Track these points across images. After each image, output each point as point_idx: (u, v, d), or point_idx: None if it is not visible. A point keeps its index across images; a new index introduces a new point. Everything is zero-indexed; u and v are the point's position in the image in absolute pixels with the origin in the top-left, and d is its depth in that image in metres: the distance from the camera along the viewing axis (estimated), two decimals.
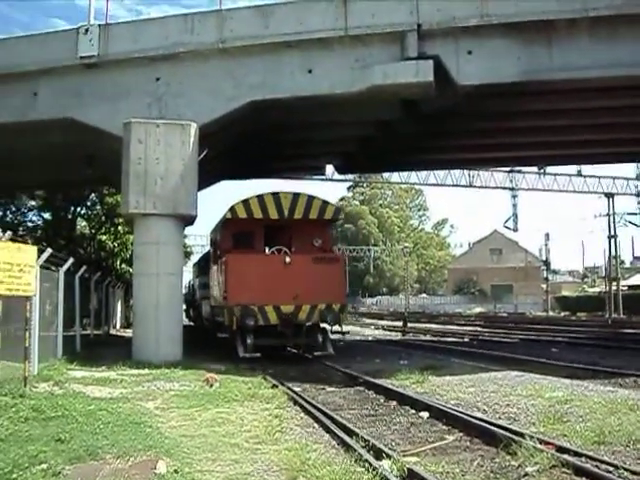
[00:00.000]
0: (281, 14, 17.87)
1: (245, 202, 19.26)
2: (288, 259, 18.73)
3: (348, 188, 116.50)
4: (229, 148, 22.21)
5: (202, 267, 27.20)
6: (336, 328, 19.09)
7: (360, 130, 23.82)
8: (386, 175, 60.98)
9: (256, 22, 17.78)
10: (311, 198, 19.71)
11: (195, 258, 38.12)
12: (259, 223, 19.54)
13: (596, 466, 6.87)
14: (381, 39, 17.53)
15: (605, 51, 17.05)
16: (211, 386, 12.78)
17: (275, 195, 19.46)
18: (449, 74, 17.29)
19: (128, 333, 26.13)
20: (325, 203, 20.08)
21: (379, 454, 7.56)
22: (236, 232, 19.75)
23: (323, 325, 19.13)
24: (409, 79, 17.22)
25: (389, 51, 17.51)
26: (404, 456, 7.61)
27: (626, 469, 6.69)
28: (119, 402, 10.67)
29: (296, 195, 19.70)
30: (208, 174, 21.13)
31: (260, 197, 19.31)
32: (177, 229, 18.22)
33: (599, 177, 52.98)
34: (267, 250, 20.23)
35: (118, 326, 36.45)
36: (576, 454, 7.30)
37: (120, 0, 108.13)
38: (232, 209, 19.22)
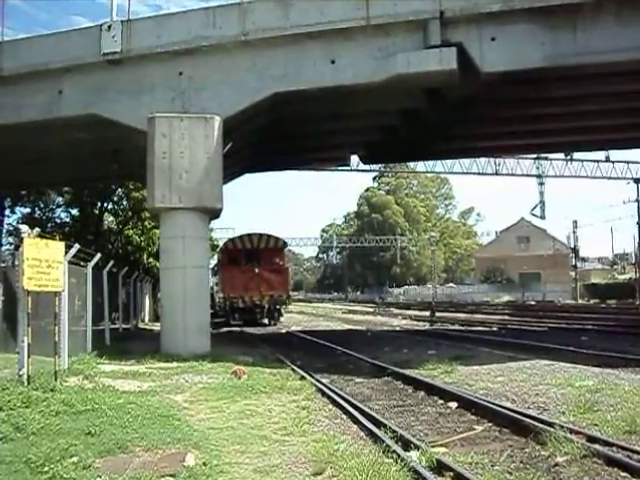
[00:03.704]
0: (302, 5, 17.77)
1: (234, 239, 37.53)
2: (257, 270, 34.00)
3: (373, 178, 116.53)
4: (253, 141, 22.23)
5: (214, 270, 38.69)
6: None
7: (384, 120, 23.70)
8: (411, 165, 60.81)
9: (277, 14, 17.72)
10: (270, 236, 36.34)
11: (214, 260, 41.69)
12: (241, 250, 35.29)
13: (628, 456, 6.79)
14: (403, 28, 17.37)
15: (631, 34, 16.71)
16: (239, 378, 12.83)
17: (249, 235, 36.41)
18: (472, 61, 17.08)
19: (156, 327, 26.35)
20: (278, 239, 36.91)
21: (407, 445, 7.55)
22: (229, 255, 35.85)
23: (277, 306, 35.53)
24: (432, 67, 17.05)
25: (412, 39, 17.35)
26: (432, 447, 7.59)
27: None
28: (148, 395, 10.75)
29: (262, 234, 36.15)
30: (232, 167, 21.20)
31: (241, 236, 36.87)
32: (203, 222, 18.28)
33: (628, 162, 52.35)
34: (246, 265, 34.19)
35: (147, 320, 36.69)
36: (607, 444, 7.22)
37: None
38: (226, 243, 38.21)
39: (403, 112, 22.35)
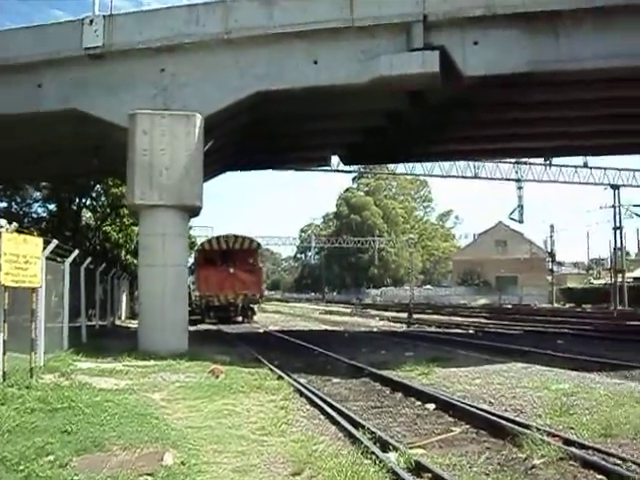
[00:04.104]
0: (286, 4, 17.78)
1: (210, 240, 39.29)
2: (232, 270, 35.40)
3: (353, 179, 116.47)
4: (234, 139, 22.18)
5: (191, 269, 37.74)
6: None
7: (366, 121, 23.74)
8: (391, 166, 60.88)
9: (261, 12, 17.70)
10: (245, 237, 38.13)
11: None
12: (217, 251, 36.65)
13: (603, 459, 6.86)
14: (387, 30, 17.44)
15: (608, 42, 16.92)
16: (217, 377, 12.79)
17: (225, 236, 38.08)
18: (455, 65, 17.19)
19: (134, 324, 26.21)
20: (253, 240, 38.89)
21: (386, 446, 7.57)
22: (205, 255, 37.18)
23: (250, 305, 37.35)
24: (415, 70, 17.13)
25: (395, 42, 17.42)
26: (411, 448, 7.61)
27: (634, 462, 6.69)
28: (125, 393, 10.68)
29: (236, 236, 37.77)
30: (213, 165, 21.16)
31: (217, 237, 38.68)
32: (182, 220, 18.21)
33: (605, 169, 52.79)
34: (222, 265, 35.66)
35: (123, 317, 36.47)
36: (583, 447, 7.29)
37: None
38: (202, 244, 39.60)
39: (385, 114, 22.40)
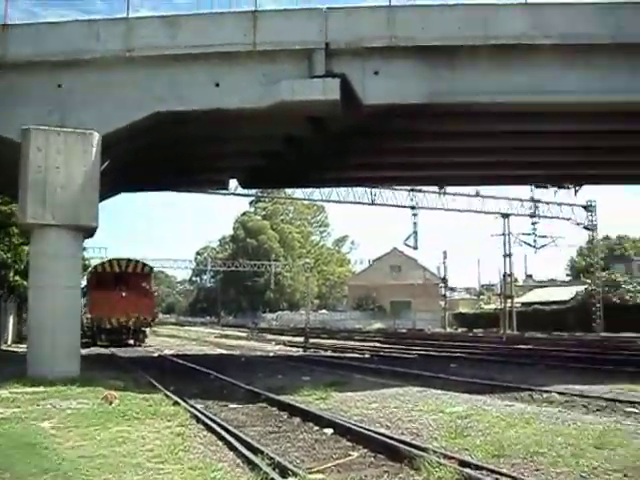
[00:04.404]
0: (189, 26, 17.67)
1: (103, 263, 40.43)
2: (124, 293, 35.71)
3: (250, 203, 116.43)
4: (134, 159, 21.73)
5: (83, 292, 35.72)
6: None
7: (266, 145, 23.77)
8: (288, 191, 61.37)
9: (164, 32, 17.49)
10: (138, 261, 39.53)
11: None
12: (110, 274, 37.01)
13: (497, 479, 7.06)
14: (290, 55, 17.61)
15: (502, 77, 17.77)
16: (110, 403, 12.38)
17: (118, 259, 39.21)
18: (355, 93, 17.51)
19: (21, 348, 25.12)
20: (145, 264, 40.13)
21: (285, 471, 7.50)
22: (97, 278, 37.42)
23: (142, 328, 37.40)
24: (316, 96, 17.33)
25: (297, 68, 17.60)
26: (309, 473, 7.58)
27: None
28: (12, 422, 10.17)
29: (129, 260, 38.99)
30: (111, 185, 20.65)
31: (110, 260, 39.87)
32: (76, 241, 17.60)
33: (496, 198, 55.01)
34: (114, 288, 35.64)
35: (10, 341, 34.94)
36: (478, 467, 7.47)
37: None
38: (95, 266, 40.92)
39: (285, 139, 22.51)
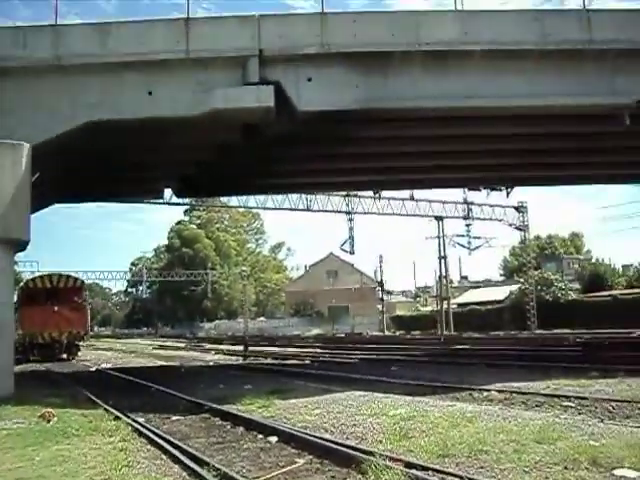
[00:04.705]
0: (121, 33, 17.43)
1: (34, 278, 40.03)
2: (56, 308, 35.11)
3: (185, 212, 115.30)
4: (67, 169, 21.29)
5: (15, 307, 35.12)
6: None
7: (201, 154, 23.51)
8: (224, 199, 61.00)
9: (94, 40, 17.19)
10: (69, 276, 39.76)
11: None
12: (41, 289, 36.32)
13: (442, 478, 7.15)
14: (223, 63, 17.52)
15: (435, 83, 18.10)
16: (48, 422, 12.03)
17: (49, 275, 39.27)
18: (290, 100, 17.54)
19: None
20: (77, 279, 40.36)
21: None
22: (29, 293, 36.35)
23: (75, 342, 37.21)
24: (250, 104, 17.29)
25: (231, 75, 17.53)
26: None
27: (470, 478, 7.02)
28: None
29: (61, 275, 39.17)
30: (43, 196, 20.16)
31: (41, 276, 39.62)
32: (7, 255, 17.05)
33: (430, 201, 55.78)
34: (46, 303, 35.21)
35: None
36: (423, 468, 7.54)
37: None
38: (27, 282, 40.60)
39: (220, 147, 22.33)
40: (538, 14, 18.71)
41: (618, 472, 6.97)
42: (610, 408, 11.98)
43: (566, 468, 7.25)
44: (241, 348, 40.31)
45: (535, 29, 18.01)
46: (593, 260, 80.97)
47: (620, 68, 18.41)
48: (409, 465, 7.68)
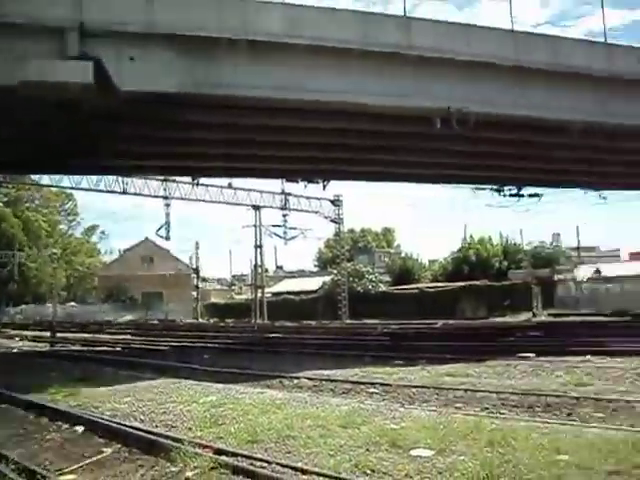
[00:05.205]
0: None
1: None
2: None
3: None
4: None
5: None
6: None
7: (9, 131, 22.04)
8: (35, 177, 57.85)
9: None
10: None
11: None
12: None
13: (251, 464, 7.30)
14: (41, 32, 16.39)
15: (262, 74, 18.17)
16: None
17: None
18: (111, 79, 16.79)
19: None
20: None
21: (33, 476, 7.19)
22: None
23: None
24: (67, 79, 16.26)
25: (49, 47, 16.39)
26: (60, 475, 7.36)
27: (277, 463, 7.27)
28: None
29: None
30: None
31: None
32: None
33: (248, 190, 56.09)
34: None
35: None
36: (233, 454, 7.68)
37: None
38: None
39: (31, 123, 21.06)
40: (361, 15, 19.41)
41: (414, 452, 7.48)
42: (411, 394, 12.80)
43: (368, 450, 7.68)
44: (48, 334, 38.58)
45: (357, 29, 18.69)
46: (402, 254, 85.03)
47: (441, 75, 19.59)
48: (219, 452, 7.79)
